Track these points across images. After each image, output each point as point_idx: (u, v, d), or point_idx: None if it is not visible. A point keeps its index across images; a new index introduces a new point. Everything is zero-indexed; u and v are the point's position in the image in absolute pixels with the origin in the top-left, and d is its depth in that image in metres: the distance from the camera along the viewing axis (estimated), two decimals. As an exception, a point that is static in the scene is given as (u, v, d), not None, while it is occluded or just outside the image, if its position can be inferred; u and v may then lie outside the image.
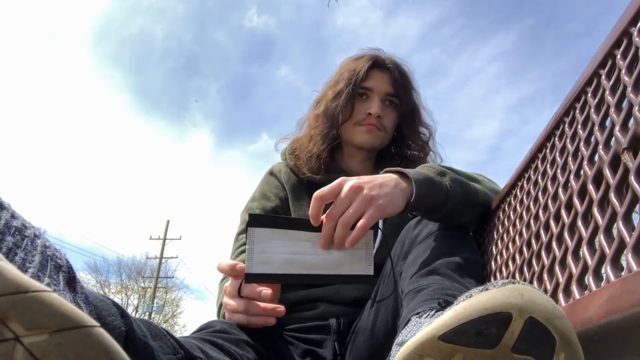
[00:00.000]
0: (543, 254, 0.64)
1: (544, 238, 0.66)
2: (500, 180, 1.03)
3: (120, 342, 0.44)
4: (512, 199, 0.86)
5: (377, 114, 1.09)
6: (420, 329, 0.43)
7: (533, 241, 0.70)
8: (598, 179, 0.54)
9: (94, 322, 0.30)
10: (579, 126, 0.63)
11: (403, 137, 1.20)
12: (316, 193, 0.73)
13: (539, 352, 0.39)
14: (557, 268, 0.58)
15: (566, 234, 0.58)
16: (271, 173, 1.18)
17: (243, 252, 1.03)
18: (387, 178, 0.76)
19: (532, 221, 0.73)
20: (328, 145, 1.13)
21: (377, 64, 1.15)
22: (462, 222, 0.85)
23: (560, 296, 0.55)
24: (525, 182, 0.82)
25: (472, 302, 0.39)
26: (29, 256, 0.37)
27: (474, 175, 0.94)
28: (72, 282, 0.40)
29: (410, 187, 0.75)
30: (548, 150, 0.74)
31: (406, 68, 1.18)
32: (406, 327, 0.55)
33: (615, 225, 0.46)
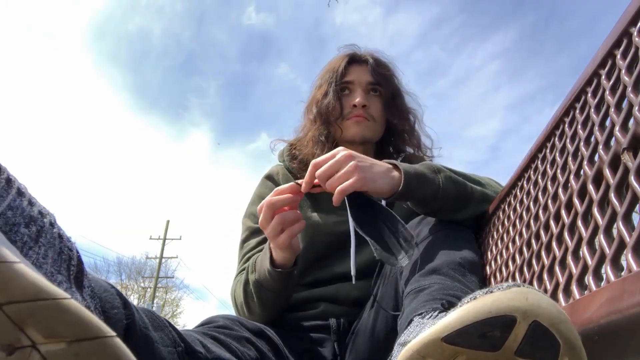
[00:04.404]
0: (543, 254, 0.64)
1: (544, 238, 0.66)
2: (500, 180, 1.03)
3: (120, 334, 0.44)
4: (512, 199, 0.86)
5: (361, 103, 1.11)
6: (424, 330, 0.43)
7: (533, 241, 0.70)
8: (598, 179, 0.54)
9: (111, 332, 0.29)
10: (579, 126, 0.63)
11: (393, 127, 1.20)
12: (313, 160, 0.79)
13: (542, 356, 0.39)
14: (557, 268, 0.58)
15: (566, 234, 0.58)
16: (268, 177, 1.18)
17: (249, 259, 1.02)
18: (381, 163, 0.81)
19: (532, 221, 0.73)
20: (332, 146, 1.13)
21: (354, 59, 1.18)
22: (457, 219, 0.85)
23: (560, 296, 0.55)
24: (525, 182, 0.82)
25: (476, 304, 0.39)
26: (43, 250, 0.37)
27: (477, 177, 0.94)
28: (80, 275, 0.40)
29: (400, 178, 0.79)
30: (548, 150, 0.74)
31: (384, 57, 1.20)
32: (408, 327, 0.55)
33: (615, 225, 0.46)
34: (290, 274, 0.89)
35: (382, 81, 1.15)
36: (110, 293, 0.46)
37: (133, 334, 0.47)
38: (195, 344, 0.59)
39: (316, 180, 0.79)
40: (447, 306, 0.53)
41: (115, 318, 0.45)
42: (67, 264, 0.39)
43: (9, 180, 0.37)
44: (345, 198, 0.74)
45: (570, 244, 0.56)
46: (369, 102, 1.12)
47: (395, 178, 0.79)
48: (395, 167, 0.81)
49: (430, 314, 0.55)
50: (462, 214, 0.86)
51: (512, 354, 0.39)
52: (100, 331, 0.29)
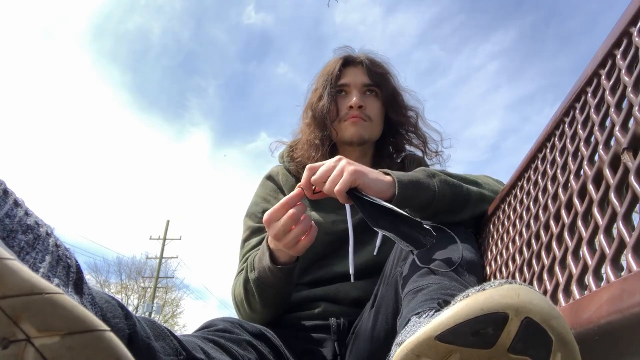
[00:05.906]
0: (543, 254, 0.64)
1: (544, 238, 0.65)
2: (500, 179, 1.03)
3: (123, 344, 0.45)
4: (512, 199, 0.85)
5: (357, 104, 1.11)
6: (418, 329, 0.43)
7: (533, 241, 0.70)
8: (598, 179, 0.54)
9: (104, 327, 0.30)
10: (579, 126, 0.63)
11: (394, 126, 1.20)
12: (308, 165, 0.81)
13: (535, 352, 0.39)
14: (557, 268, 0.58)
15: (566, 234, 0.58)
16: (269, 177, 1.19)
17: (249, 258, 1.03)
18: (376, 170, 0.82)
19: (532, 221, 0.72)
20: (328, 147, 1.14)
21: (349, 61, 1.18)
22: (456, 220, 0.85)
23: (560, 296, 0.55)
24: (525, 182, 0.82)
25: (468, 302, 0.39)
26: (40, 255, 0.38)
27: (473, 178, 0.94)
28: (79, 282, 0.41)
29: (393, 181, 0.80)
30: (548, 150, 0.74)
31: (379, 57, 1.20)
32: (406, 327, 0.55)
33: (615, 225, 0.46)
34: (292, 270, 0.90)
35: (379, 81, 1.16)
36: (111, 304, 0.47)
37: (135, 344, 0.47)
38: (197, 351, 0.59)
39: (315, 188, 0.82)
40: (444, 305, 0.53)
41: (117, 327, 0.45)
42: (66, 270, 0.39)
43: (6, 192, 0.38)
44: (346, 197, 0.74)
45: (570, 244, 0.56)
46: (365, 103, 1.13)
47: (389, 184, 0.79)
48: (388, 174, 0.82)
49: (426, 314, 0.55)
50: (460, 216, 0.87)
51: (505, 351, 0.39)
52: (93, 325, 0.29)
